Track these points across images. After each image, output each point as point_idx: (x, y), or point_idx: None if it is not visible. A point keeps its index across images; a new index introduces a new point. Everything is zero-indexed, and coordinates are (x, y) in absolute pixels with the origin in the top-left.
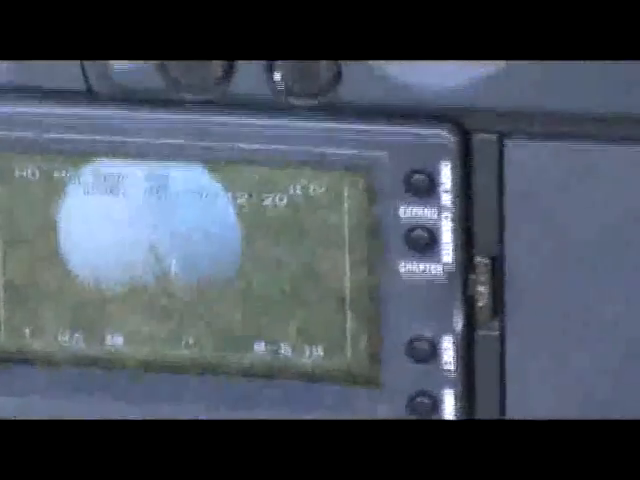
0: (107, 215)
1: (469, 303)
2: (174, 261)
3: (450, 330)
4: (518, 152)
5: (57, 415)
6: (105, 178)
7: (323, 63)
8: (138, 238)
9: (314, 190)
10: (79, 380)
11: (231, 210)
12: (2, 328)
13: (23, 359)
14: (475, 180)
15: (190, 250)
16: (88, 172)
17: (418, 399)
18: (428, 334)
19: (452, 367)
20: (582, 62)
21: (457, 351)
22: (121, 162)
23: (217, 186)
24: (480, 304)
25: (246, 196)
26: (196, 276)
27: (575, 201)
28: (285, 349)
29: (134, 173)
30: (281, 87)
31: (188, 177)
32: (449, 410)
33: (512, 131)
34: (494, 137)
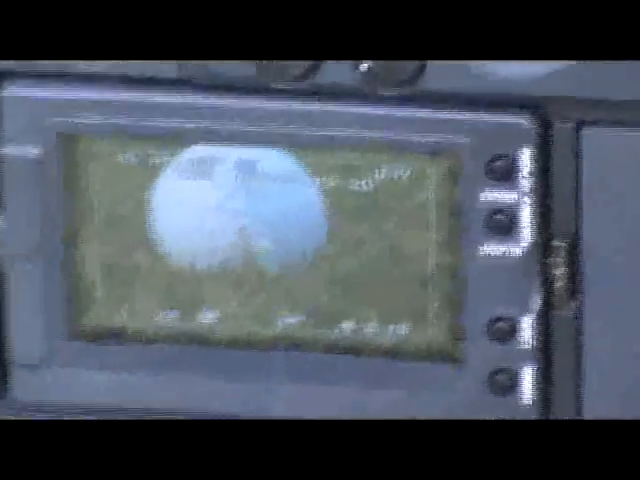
0: (199, 199)
1: (547, 284)
2: (262, 244)
3: (529, 310)
4: (595, 139)
5: (148, 391)
6: (197, 163)
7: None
8: (228, 221)
9: (399, 174)
10: (171, 357)
11: (318, 193)
12: (99, 306)
13: (119, 336)
14: (554, 166)
15: (278, 233)
16: (181, 157)
17: (498, 376)
18: (508, 314)
19: (530, 346)
20: None
21: (535, 331)
22: (213, 148)
23: (304, 171)
24: (557, 285)
25: (333, 180)
26: (284, 259)
27: None
28: (370, 327)
29: (225, 159)
30: (367, 77)
31: (276, 162)
32: (527, 387)
33: (590, 119)
34: (572, 125)
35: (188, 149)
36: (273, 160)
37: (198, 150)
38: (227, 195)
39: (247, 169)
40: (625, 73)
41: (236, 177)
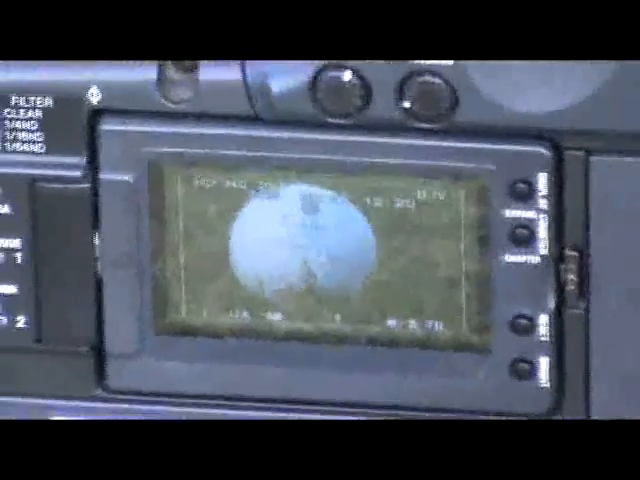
0: (268, 228)
1: (560, 287)
2: (321, 273)
3: (545, 309)
4: (602, 165)
5: (221, 380)
6: (268, 194)
7: (443, 92)
8: (292, 251)
9: (437, 196)
10: (239, 350)
11: (367, 214)
12: (180, 307)
13: (197, 332)
14: (567, 188)
15: (334, 257)
16: (255, 188)
17: (518, 364)
18: (528, 312)
19: (547, 339)
20: None
21: (551, 326)
22: (281, 186)
23: (356, 195)
24: (569, 288)
25: (380, 202)
26: (339, 278)
27: None
28: (412, 323)
29: (290, 190)
30: (410, 113)
31: (333, 201)
32: (543, 374)
33: (598, 148)
34: (582, 153)
35: (261, 180)
36: (330, 199)
37: (270, 187)
38: (292, 231)
39: (309, 207)
40: (629, 107)
41: (300, 214)
